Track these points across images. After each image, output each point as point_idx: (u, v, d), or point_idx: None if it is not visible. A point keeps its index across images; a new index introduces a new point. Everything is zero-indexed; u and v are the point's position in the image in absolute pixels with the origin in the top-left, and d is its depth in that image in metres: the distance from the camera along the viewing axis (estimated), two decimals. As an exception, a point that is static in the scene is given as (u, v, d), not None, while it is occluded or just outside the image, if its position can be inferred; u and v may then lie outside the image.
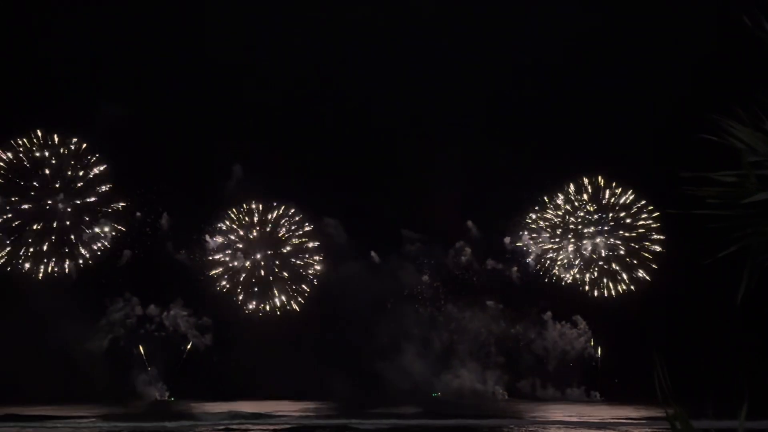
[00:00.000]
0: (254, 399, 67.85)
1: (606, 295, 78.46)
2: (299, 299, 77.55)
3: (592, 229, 79.28)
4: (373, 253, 77.89)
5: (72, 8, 72.45)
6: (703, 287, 60.94)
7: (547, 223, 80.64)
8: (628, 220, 78.53)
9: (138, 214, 76.00)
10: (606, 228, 78.93)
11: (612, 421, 60.52)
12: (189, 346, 74.59)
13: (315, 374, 70.79)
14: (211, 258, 76.70)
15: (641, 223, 78.06)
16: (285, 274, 77.71)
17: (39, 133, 73.84)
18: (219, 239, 76.86)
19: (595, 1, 75.06)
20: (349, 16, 75.25)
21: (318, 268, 77.94)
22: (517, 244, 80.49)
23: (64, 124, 74.12)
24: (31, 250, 73.33)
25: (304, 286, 77.82)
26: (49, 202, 73.91)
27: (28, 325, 68.39)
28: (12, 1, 73.32)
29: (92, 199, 75.15)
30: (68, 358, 68.87)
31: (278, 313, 76.91)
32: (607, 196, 79.17)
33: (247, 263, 77.30)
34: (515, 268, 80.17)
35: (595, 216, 79.36)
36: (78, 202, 74.89)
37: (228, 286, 76.64)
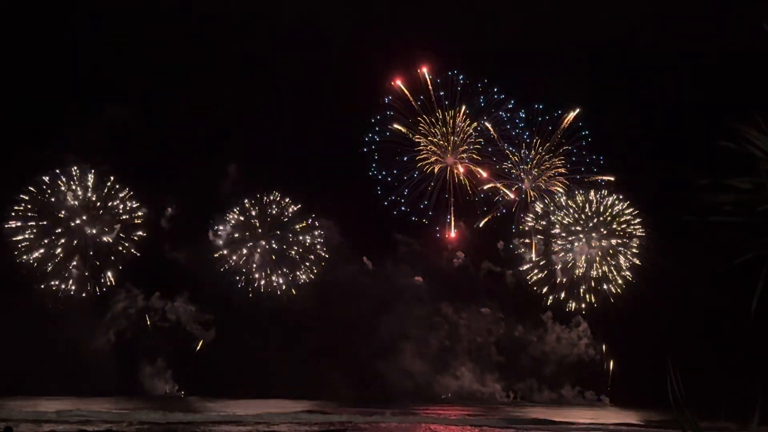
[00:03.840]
0: (259, 398, 67.10)
1: (608, 297, 77.96)
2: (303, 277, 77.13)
3: (588, 233, 78.64)
4: (365, 259, 77.67)
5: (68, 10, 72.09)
6: (714, 294, 60.60)
7: (541, 226, 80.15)
8: (631, 225, 78.08)
9: (144, 210, 76.27)
10: (604, 232, 78.32)
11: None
12: (200, 343, 74.57)
13: (316, 374, 70.57)
14: (216, 252, 76.74)
15: (638, 227, 77.45)
16: (292, 251, 77.39)
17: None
18: (221, 232, 76.77)
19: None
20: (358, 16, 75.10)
21: (321, 254, 77.31)
22: (511, 247, 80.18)
23: (65, 123, 74.30)
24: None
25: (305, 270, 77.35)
26: (52, 199, 74.20)
27: (35, 320, 68.81)
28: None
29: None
30: (76, 352, 69.01)
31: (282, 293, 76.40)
32: (609, 201, 78.65)
33: (249, 249, 77.25)
34: (510, 271, 79.90)
35: (593, 220, 78.71)
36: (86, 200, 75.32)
37: (231, 270, 76.50)
